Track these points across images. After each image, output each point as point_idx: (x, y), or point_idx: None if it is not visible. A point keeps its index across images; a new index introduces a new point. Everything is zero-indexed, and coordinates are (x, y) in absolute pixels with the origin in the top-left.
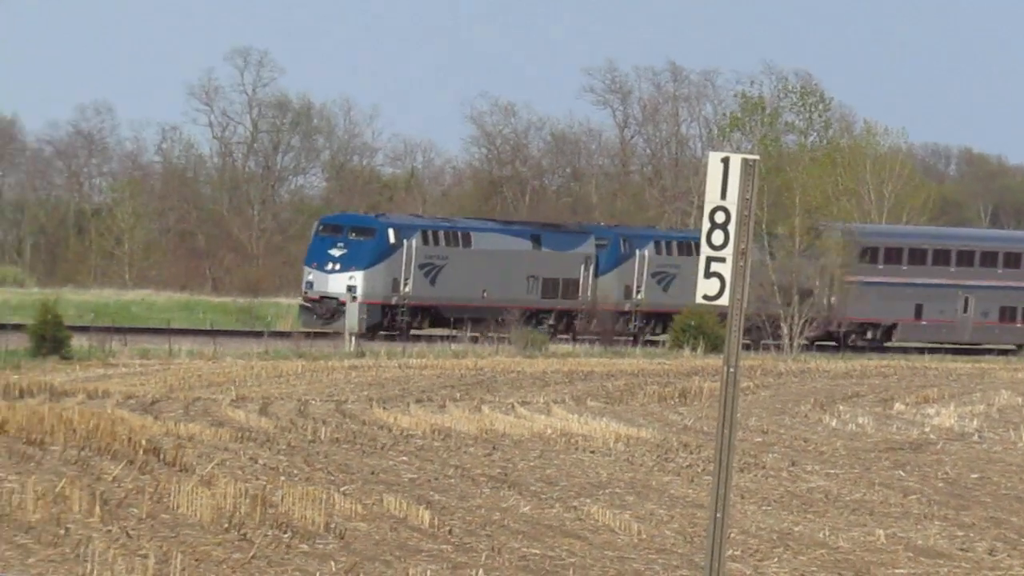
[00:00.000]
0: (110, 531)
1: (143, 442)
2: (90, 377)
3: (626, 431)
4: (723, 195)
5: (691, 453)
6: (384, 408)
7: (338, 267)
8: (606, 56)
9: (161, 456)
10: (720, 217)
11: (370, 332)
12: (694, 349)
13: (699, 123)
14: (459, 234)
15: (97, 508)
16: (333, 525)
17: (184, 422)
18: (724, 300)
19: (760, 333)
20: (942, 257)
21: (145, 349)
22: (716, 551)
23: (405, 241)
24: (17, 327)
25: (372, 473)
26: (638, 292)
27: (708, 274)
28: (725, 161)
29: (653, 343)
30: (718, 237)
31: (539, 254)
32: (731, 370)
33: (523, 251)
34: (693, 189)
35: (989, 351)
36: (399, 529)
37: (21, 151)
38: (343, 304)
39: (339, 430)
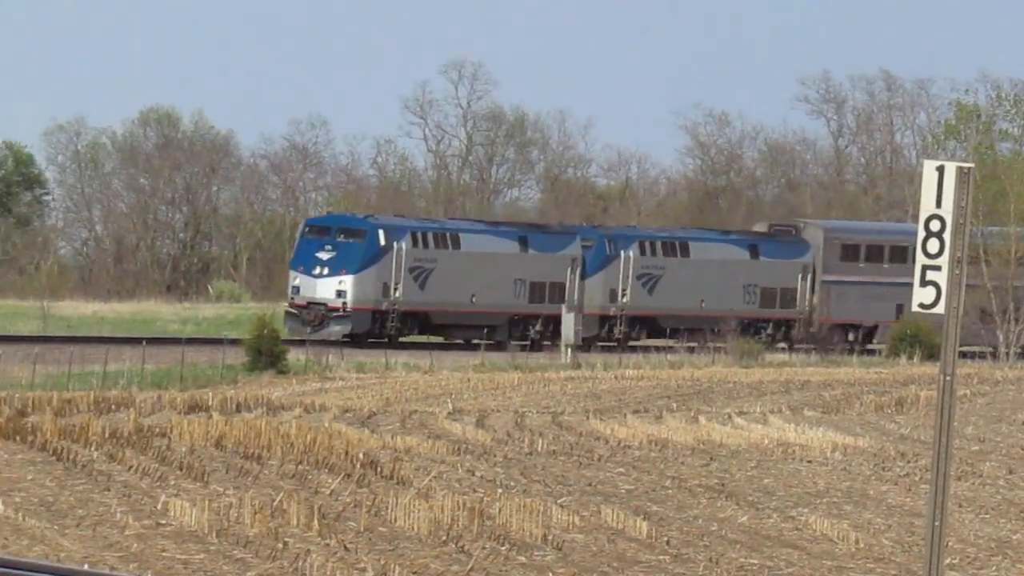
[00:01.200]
0: (328, 545)
1: (360, 455)
2: (307, 391)
3: (843, 440)
4: (938, 203)
5: (908, 462)
6: (600, 419)
7: (326, 271)
8: (820, 65)
9: (378, 469)
10: (935, 225)
11: (357, 341)
12: (911, 358)
13: (913, 131)
14: (448, 235)
15: (315, 522)
16: (551, 537)
17: (401, 435)
18: (940, 309)
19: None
20: None
21: (361, 363)
22: (934, 560)
23: (395, 243)
24: (234, 342)
25: (589, 484)
26: (623, 295)
27: (924, 283)
28: (940, 169)
29: (870, 351)
30: (933, 245)
31: (526, 256)
32: (947, 378)
33: (511, 253)
34: (908, 198)
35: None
36: (616, 540)
37: (236, 166)
38: (333, 310)
39: (556, 442)
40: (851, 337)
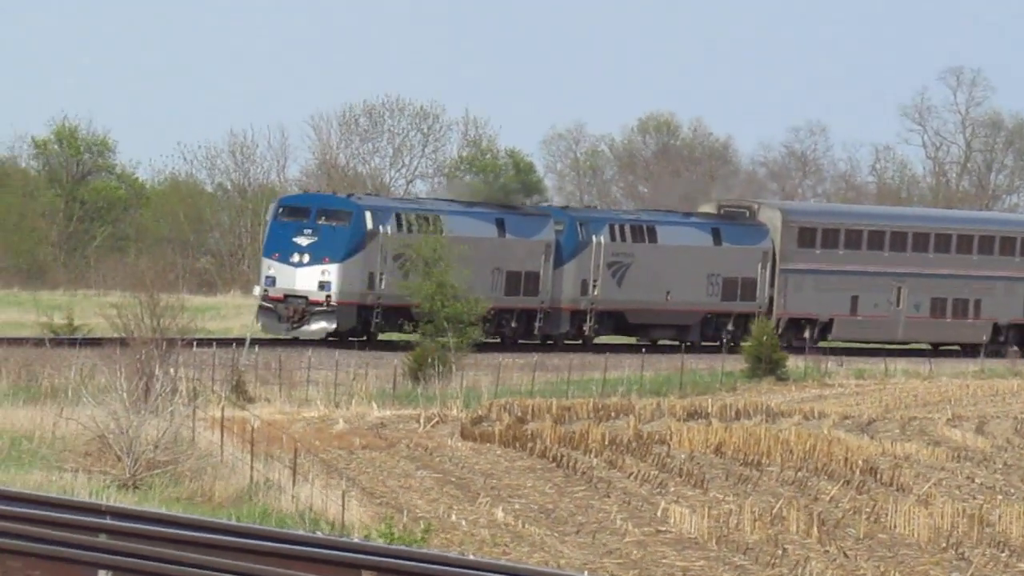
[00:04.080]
0: (827, 551)
1: (859, 462)
2: (806, 398)
3: None
4: None
5: None
6: None
7: (307, 259)
8: None
9: (877, 476)
10: None
11: (339, 339)
12: None
13: None
14: (430, 218)
15: (815, 529)
16: None
17: (900, 442)
18: None
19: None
20: (877, 240)
21: (861, 370)
22: None
23: (380, 227)
24: (732, 350)
25: None
26: (594, 287)
27: None
28: None
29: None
30: None
31: (503, 242)
32: None
33: (489, 239)
34: None
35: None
36: None
37: (735, 173)
38: (314, 304)
39: None
40: (806, 334)
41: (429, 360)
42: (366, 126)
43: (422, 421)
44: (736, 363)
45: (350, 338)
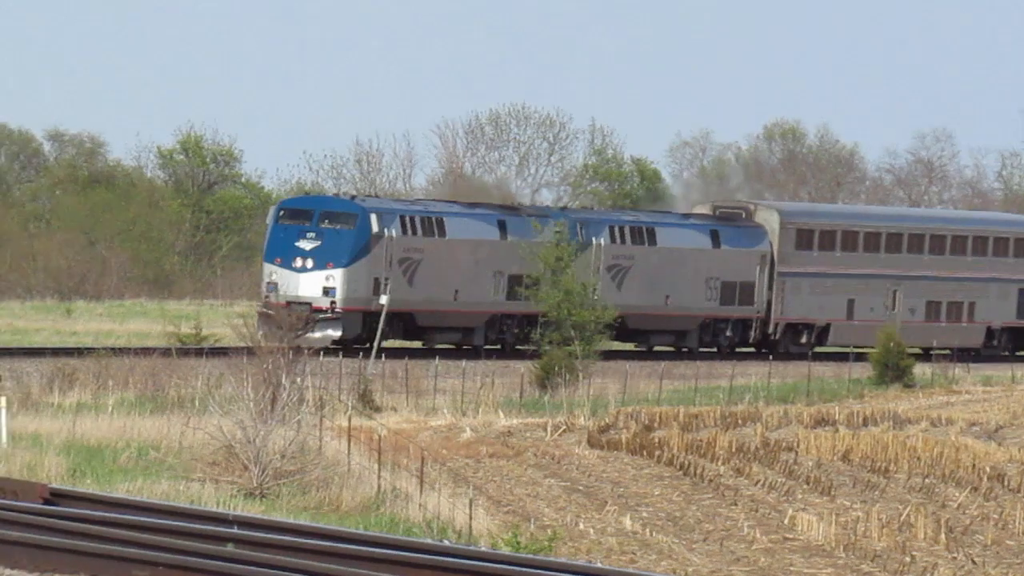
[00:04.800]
0: (955, 558)
1: (987, 468)
2: (933, 404)
3: None
4: None
5: None
6: None
7: (310, 263)
8: None
9: (1005, 482)
10: None
11: (343, 347)
12: None
13: None
14: (433, 220)
15: (942, 535)
16: None
17: None
18: None
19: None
20: (872, 242)
21: (988, 376)
22: None
23: (386, 230)
24: (860, 357)
25: None
26: (595, 291)
27: None
28: None
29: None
30: None
31: (505, 244)
32: None
33: (491, 241)
34: None
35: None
36: None
37: (861, 180)
38: (318, 311)
39: None
40: (804, 340)
41: (556, 368)
42: (492, 134)
43: (549, 429)
44: (863, 370)
45: (354, 346)
